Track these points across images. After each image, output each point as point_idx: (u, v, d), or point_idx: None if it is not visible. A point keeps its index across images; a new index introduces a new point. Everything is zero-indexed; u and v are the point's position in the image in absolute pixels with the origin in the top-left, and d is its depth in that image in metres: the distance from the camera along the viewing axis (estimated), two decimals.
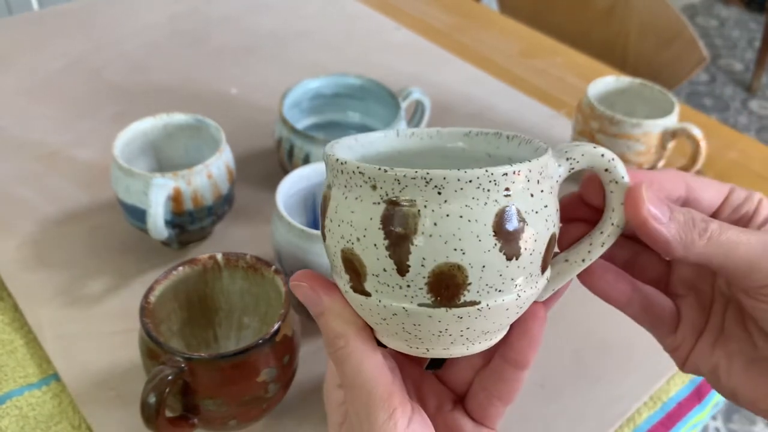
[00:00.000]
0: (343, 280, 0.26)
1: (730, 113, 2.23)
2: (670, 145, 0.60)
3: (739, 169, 0.70)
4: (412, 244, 0.23)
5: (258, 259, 0.43)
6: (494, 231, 0.23)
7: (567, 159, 0.25)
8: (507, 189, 0.23)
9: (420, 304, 0.24)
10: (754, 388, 0.28)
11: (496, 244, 0.23)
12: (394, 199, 0.23)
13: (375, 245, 0.23)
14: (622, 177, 0.25)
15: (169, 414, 0.38)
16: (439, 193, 0.23)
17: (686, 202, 0.27)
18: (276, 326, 0.38)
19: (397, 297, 0.24)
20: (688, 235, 0.25)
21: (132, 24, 0.88)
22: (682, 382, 0.49)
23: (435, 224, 0.23)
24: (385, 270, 0.24)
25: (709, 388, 0.49)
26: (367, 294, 0.25)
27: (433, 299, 0.24)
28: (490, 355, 0.29)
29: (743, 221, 0.27)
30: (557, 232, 0.26)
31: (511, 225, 0.23)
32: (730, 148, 0.73)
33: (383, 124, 0.61)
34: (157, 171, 0.56)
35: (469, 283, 0.23)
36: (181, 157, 0.56)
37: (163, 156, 0.56)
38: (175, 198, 0.49)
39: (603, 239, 0.26)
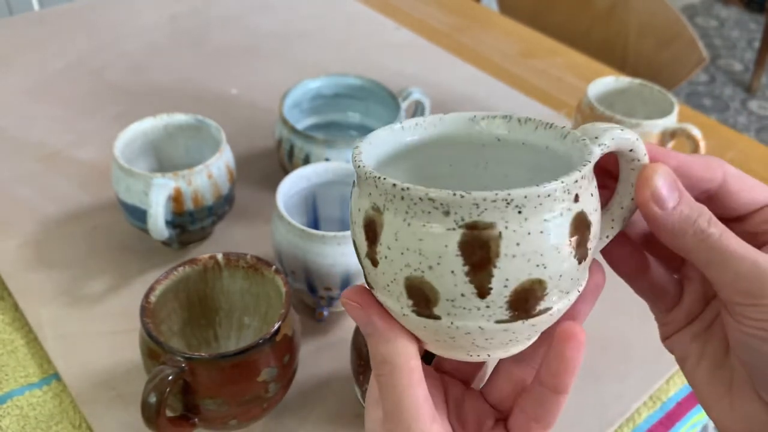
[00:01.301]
0: (401, 305, 0.24)
1: (730, 113, 2.23)
2: (670, 145, 0.60)
3: (739, 169, 0.70)
4: (495, 267, 0.22)
5: (258, 259, 0.43)
6: (569, 239, 0.23)
7: (599, 145, 0.24)
8: (576, 195, 0.23)
9: (497, 321, 0.23)
10: (710, 393, 0.27)
11: (571, 252, 0.23)
12: (472, 224, 0.22)
13: (452, 272, 0.22)
14: (645, 154, 0.25)
15: (169, 414, 0.38)
16: (520, 212, 0.22)
17: (719, 194, 0.26)
18: (276, 326, 0.38)
19: (473, 318, 0.23)
20: (683, 229, 0.24)
21: (132, 24, 0.89)
22: (681, 382, 0.49)
23: (518, 244, 0.22)
24: (463, 295, 0.23)
25: None
26: (437, 317, 0.24)
27: (511, 315, 0.23)
28: (530, 373, 0.29)
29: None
30: None
31: (582, 230, 0.23)
32: (729, 149, 0.73)
33: (383, 124, 0.62)
34: (158, 171, 0.56)
35: (546, 294, 0.23)
36: (182, 157, 0.57)
37: (163, 156, 0.56)
38: (176, 198, 0.49)
39: (624, 213, 0.26)
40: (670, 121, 0.59)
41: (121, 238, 0.56)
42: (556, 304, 0.24)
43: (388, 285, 0.24)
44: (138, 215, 0.50)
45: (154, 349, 0.37)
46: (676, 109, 0.60)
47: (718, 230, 0.24)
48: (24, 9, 1.35)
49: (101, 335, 0.48)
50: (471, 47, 0.89)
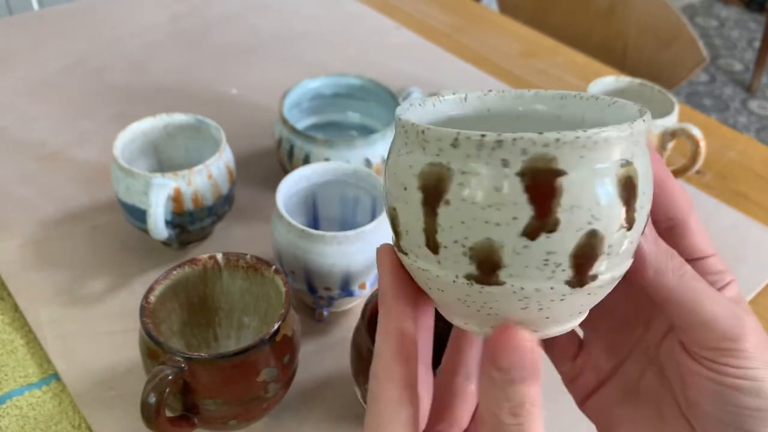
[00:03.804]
0: (555, 279, 0.22)
1: (730, 113, 2.23)
2: (670, 145, 0.60)
3: (739, 169, 0.70)
4: (638, 197, 0.22)
5: (258, 259, 0.43)
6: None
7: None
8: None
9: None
10: None
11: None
12: (624, 161, 0.21)
13: (617, 214, 0.21)
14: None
15: (169, 414, 0.38)
16: (637, 144, 0.22)
17: (676, 228, 0.25)
18: (276, 326, 0.38)
19: (625, 257, 0.22)
20: (664, 264, 0.23)
21: (132, 24, 0.89)
22: None
23: (643, 173, 0.22)
24: (621, 235, 0.21)
25: None
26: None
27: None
28: None
29: None
30: None
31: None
32: (729, 148, 0.73)
33: (383, 124, 0.61)
34: (158, 171, 0.56)
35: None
36: (182, 157, 0.57)
37: (163, 156, 0.56)
38: (176, 198, 0.49)
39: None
40: (671, 121, 0.59)
41: (121, 238, 0.56)
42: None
43: (546, 260, 0.21)
44: (138, 215, 0.50)
45: (153, 349, 0.37)
46: (677, 108, 0.60)
47: (690, 271, 0.24)
48: (24, 8, 1.35)
49: (101, 335, 0.48)
50: (471, 47, 0.89)
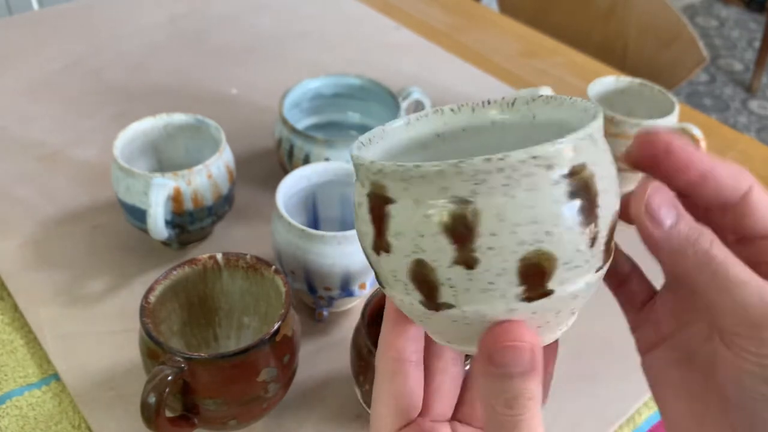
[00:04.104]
0: (507, 299, 0.22)
1: (730, 113, 2.23)
2: None
3: None
4: (598, 207, 0.22)
5: (258, 259, 0.43)
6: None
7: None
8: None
9: (596, 269, 0.23)
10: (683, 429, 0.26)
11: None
12: (572, 170, 0.21)
13: (570, 227, 0.21)
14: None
15: (169, 414, 0.38)
16: (596, 146, 0.22)
17: (738, 209, 0.24)
18: (276, 326, 0.38)
19: (582, 274, 0.22)
20: (683, 249, 0.23)
21: (132, 24, 0.88)
22: None
23: (603, 178, 0.22)
24: (578, 250, 0.21)
25: None
26: (549, 293, 0.22)
27: (604, 259, 0.23)
28: None
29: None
30: None
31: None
32: (730, 148, 0.73)
33: (383, 124, 0.61)
34: (158, 171, 0.56)
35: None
36: (182, 157, 0.57)
37: (163, 156, 0.56)
38: (175, 198, 0.49)
39: None
40: (671, 121, 0.59)
41: (121, 238, 0.56)
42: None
43: (491, 282, 0.21)
44: (137, 215, 0.50)
45: (153, 349, 0.37)
46: (677, 108, 0.60)
47: (722, 253, 0.23)
48: (23, 9, 1.35)
49: (101, 335, 0.48)
50: (471, 47, 0.89)
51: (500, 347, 0.22)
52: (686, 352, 0.27)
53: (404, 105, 0.60)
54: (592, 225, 0.21)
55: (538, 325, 0.23)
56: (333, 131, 0.65)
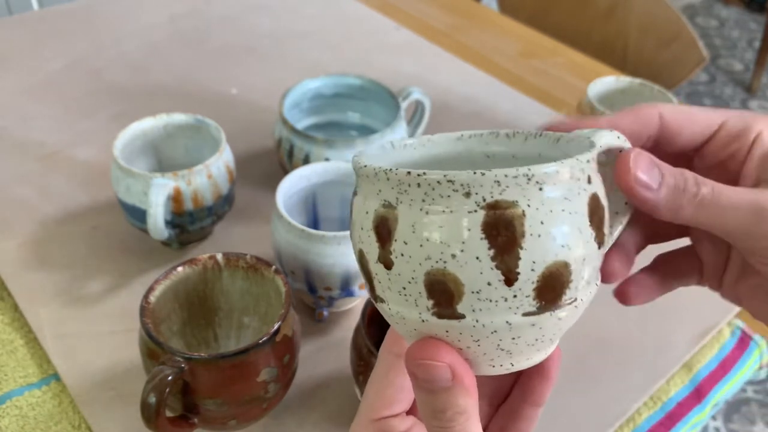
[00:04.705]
0: (419, 309, 0.23)
1: None
2: None
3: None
4: (521, 248, 0.21)
5: (258, 259, 0.43)
6: (589, 221, 0.22)
7: (595, 144, 0.24)
8: (589, 177, 0.23)
9: (525, 314, 0.22)
10: None
11: (592, 234, 0.22)
12: (494, 203, 0.21)
13: (477, 258, 0.21)
14: (620, 151, 0.25)
15: (169, 414, 0.38)
16: (540, 189, 0.21)
17: (661, 140, 0.27)
18: (276, 326, 0.38)
19: (499, 312, 0.22)
20: (678, 201, 0.24)
21: (132, 24, 0.88)
22: (681, 382, 0.49)
23: (542, 223, 0.21)
24: (489, 284, 0.21)
25: (709, 388, 0.49)
26: (461, 316, 0.22)
27: (538, 305, 0.22)
28: (505, 393, 0.29)
29: (735, 160, 0.26)
30: None
31: (599, 212, 0.23)
32: None
33: (383, 124, 0.61)
34: (158, 171, 0.56)
35: (571, 281, 0.22)
36: (182, 157, 0.57)
37: (163, 156, 0.56)
38: (175, 198, 0.49)
39: (621, 219, 0.27)
40: None
41: (121, 238, 0.56)
42: (580, 294, 0.23)
43: (404, 288, 0.23)
44: (138, 215, 0.50)
45: (153, 349, 0.37)
46: None
47: (708, 187, 0.24)
48: (23, 8, 1.35)
49: (101, 335, 0.48)
50: (471, 47, 0.89)
51: (416, 363, 0.23)
52: (742, 266, 0.29)
53: (404, 105, 0.60)
54: (511, 264, 0.21)
55: (461, 347, 0.23)
56: (333, 131, 0.65)
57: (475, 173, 0.21)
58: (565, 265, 0.22)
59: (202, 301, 0.44)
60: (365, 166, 0.23)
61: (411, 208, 0.22)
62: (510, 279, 0.21)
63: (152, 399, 0.35)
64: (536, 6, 1.19)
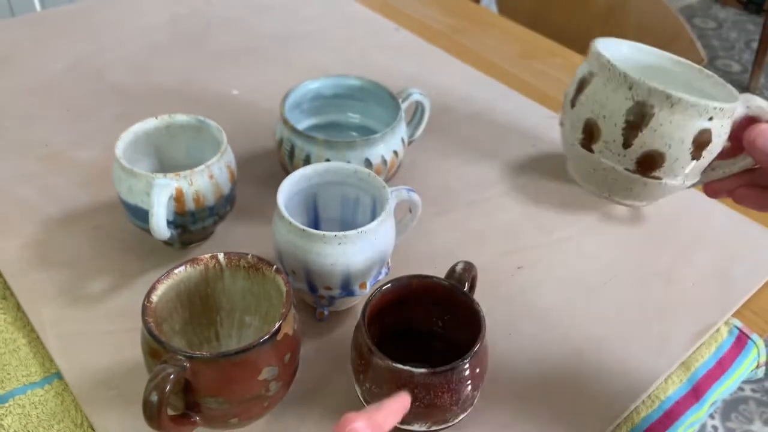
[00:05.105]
0: (573, 138, 0.48)
1: None
2: None
3: None
4: (641, 131, 0.44)
5: (259, 258, 0.43)
6: (693, 140, 0.44)
7: (747, 106, 0.44)
8: (710, 117, 0.43)
9: (626, 169, 0.46)
10: None
11: (690, 148, 0.44)
12: (641, 101, 0.43)
13: (615, 124, 0.44)
14: None
15: (170, 412, 0.38)
16: (672, 106, 0.42)
17: None
18: (277, 325, 0.38)
19: (612, 159, 0.46)
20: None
21: (134, 25, 0.89)
22: (679, 381, 0.49)
23: (661, 125, 0.43)
24: (614, 141, 0.45)
25: (707, 387, 0.50)
26: (591, 151, 0.47)
27: (635, 168, 0.46)
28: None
29: None
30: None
31: (705, 139, 0.44)
32: None
33: (383, 125, 0.62)
34: (160, 171, 0.56)
35: (663, 166, 0.45)
36: (183, 157, 0.57)
37: (165, 156, 0.57)
38: (177, 198, 0.50)
39: (738, 165, 0.47)
40: None
41: (123, 238, 0.56)
42: (665, 178, 0.46)
43: (574, 123, 0.47)
44: (140, 215, 0.50)
45: (155, 348, 0.38)
46: None
47: None
48: (26, 10, 1.35)
49: (103, 334, 0.49)
50: (470, 48, 0.90)
51: None
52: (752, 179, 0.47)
53: (404, 106, 0.60)
54: (631, 137, 0.46)
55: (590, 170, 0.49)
56: (333, 132, 0.65)
57: (639, 78, 0.43)
58: (661, 155, 0.44)
59: (204, 301, 0.44)
60: (600, 50, 0.46)
61: (599, 80, 0.45)
62: (626, 144, 0.45)
63: (154, 397, 0.35)
64: (535, 7, 1.19)
